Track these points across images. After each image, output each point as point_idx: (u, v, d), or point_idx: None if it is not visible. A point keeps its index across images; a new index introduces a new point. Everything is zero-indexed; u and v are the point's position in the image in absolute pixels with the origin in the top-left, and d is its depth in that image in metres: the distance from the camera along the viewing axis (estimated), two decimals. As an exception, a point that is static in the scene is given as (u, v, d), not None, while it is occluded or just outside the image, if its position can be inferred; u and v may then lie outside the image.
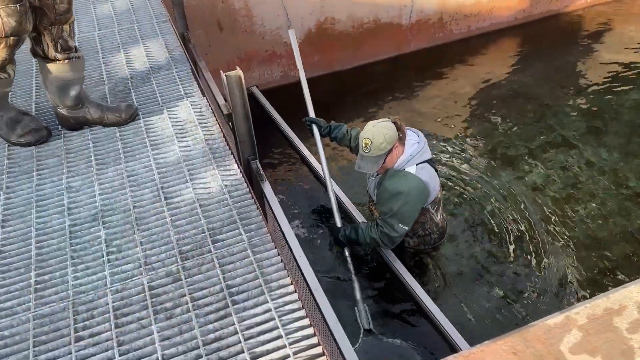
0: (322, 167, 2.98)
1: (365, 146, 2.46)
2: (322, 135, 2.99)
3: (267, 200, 2.40)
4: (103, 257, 1.75)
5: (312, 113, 3.04)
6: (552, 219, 3.17)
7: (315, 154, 3.76)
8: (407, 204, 2.48)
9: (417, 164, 2.54)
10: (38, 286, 1.66)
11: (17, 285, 1.66)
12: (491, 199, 3.34)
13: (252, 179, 2.53)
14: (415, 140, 2.58)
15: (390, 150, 2.47)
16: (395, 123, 2.51)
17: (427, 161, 2.58)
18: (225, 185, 2.04)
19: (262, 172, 2.51)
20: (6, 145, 2.25)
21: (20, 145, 2.23)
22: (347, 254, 2.75)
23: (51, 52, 2.08)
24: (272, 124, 4.17)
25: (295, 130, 3.98)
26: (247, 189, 2.04)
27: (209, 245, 1.79)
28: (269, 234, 1.84)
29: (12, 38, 1.84)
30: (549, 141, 3.87)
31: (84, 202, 1.96)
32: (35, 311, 1.59)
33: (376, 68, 4.97)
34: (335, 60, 4.82)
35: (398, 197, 2.48)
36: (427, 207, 2.65)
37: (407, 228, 2.54)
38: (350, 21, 4.62)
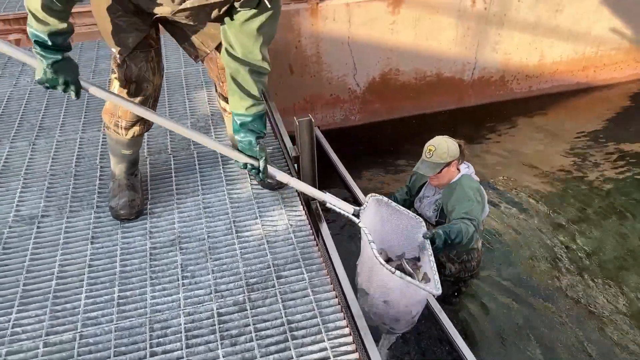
0: None
1: (429, 152, 2.68)
2: None
3: (323, 240, 2.54)
4: (178, 280, 1.92)
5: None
6: (603, 288, 3.15)
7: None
8: (478, 200, 2.67)
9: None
10: (120, 301, 1.84)
11: (102, 298, 1.85)
12: (540, 258, 3.35)
13: (311, 219, 2.68)
14: (465, 165, 2.83)
15: (449, 164, 2.67)
16: (460, 145, 2.73)
17: None
18: (291, 225, 2.20)
19: (320, 213, 2.66)
20: (99, 166, 2.51)
21: (113, 213, 2.20)
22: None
23: (221, 103, 2.30)
24: (330, 164, 4.34)
25: (351, 173, 4.14)
26: (311, 231, 2.19)
27: (273, 280, 1.93)
28: (328, 277, 1.97)
29: (133, 84, 2.00)
30: (604, 207, 3.86)
31: (164, 228, 2.15)
32: (117, 324, 1.76)
33: (436, 119, 5.10)
34: (396, 109, 4.99)
35: (469, 195, 2.64)
36: None
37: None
38: (413, 73, 4.80)
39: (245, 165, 1.99)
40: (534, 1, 4.69)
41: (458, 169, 2.77)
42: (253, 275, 1.95)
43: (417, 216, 2.19)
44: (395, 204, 2.17)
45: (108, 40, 1.94)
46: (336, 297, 1.88)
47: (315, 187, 2.67)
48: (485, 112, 5.21)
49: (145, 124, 2.15)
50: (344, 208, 2.04)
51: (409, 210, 2.19)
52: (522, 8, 4.71)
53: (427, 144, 2.73)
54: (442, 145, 2.66)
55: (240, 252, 2.05)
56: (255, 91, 1.94)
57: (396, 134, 4.92)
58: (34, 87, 3.18)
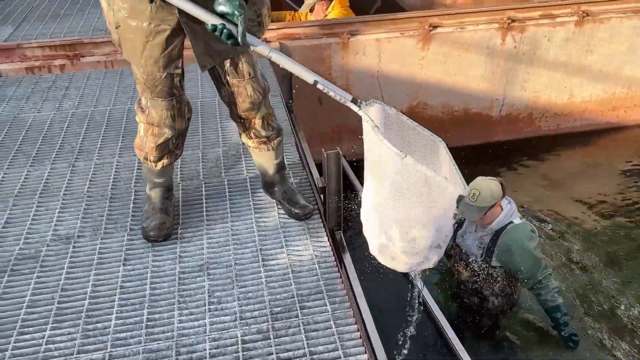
0: None
1: (473, 196, 2.75)
2: None
3: (346, 271, 2.57)
4: (205, 305, 1.97)
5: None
6: (630, 330, 3.09)
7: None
8: (536, 248, 2.80)
9: (519, 217, 2.89)
10: (149, 323, 1.90)
11: (132, 320, 1.91)
12: (567, 297, 3.31)
13: (335, 250, 2.72)
14: (507, 201, 2.91)
15: (492, 206, 2.76)
16: (502, 184, 2.80)
17: None
18: (316, 256, 2.24)
19: (345, 244, 2.70)
20: (133, 190, 2.61)
21: (143, 234, 2.28)
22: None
23: (243, 138, 2.36)
24: (356, 194, 4.38)
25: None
26: (335, 262, 2.23)
27: (297, 310, 1.97)
28: (350, 309, 2.00)
29: (155, 128, 2.10)
30: (634, 248, 3.80)
31: (193, 253, 2.22)
32: (145, 345, 1.82)
33: (462, 152, 5.10)
34: (422, 142, 5.03)
35: (529, 251, 2.74)
36: None
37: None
38: (440, 107, 4.86)
39: (214, 28, 1.60)
40: (564, 41, 4.72)
41: (500, 207, 2.83)
42: (277, 304, 1.99)
43: (432, 134, 1.70)
44: (405, 116, 1.75)
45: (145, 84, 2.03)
46: (358, 331, 1.91)
47: (340, 220, 2.72)
48: (512, 148, 5.21)
49: (173, 156, 2.25)
50: (340, 93, 1.74)
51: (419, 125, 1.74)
52: (552, 47, 4.74)
53: (470, 187, 2.74)
54: (485, 189, 2.73)
55: (266, 280, 2.10)
56: None
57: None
58: (75, 111, 3.34)
